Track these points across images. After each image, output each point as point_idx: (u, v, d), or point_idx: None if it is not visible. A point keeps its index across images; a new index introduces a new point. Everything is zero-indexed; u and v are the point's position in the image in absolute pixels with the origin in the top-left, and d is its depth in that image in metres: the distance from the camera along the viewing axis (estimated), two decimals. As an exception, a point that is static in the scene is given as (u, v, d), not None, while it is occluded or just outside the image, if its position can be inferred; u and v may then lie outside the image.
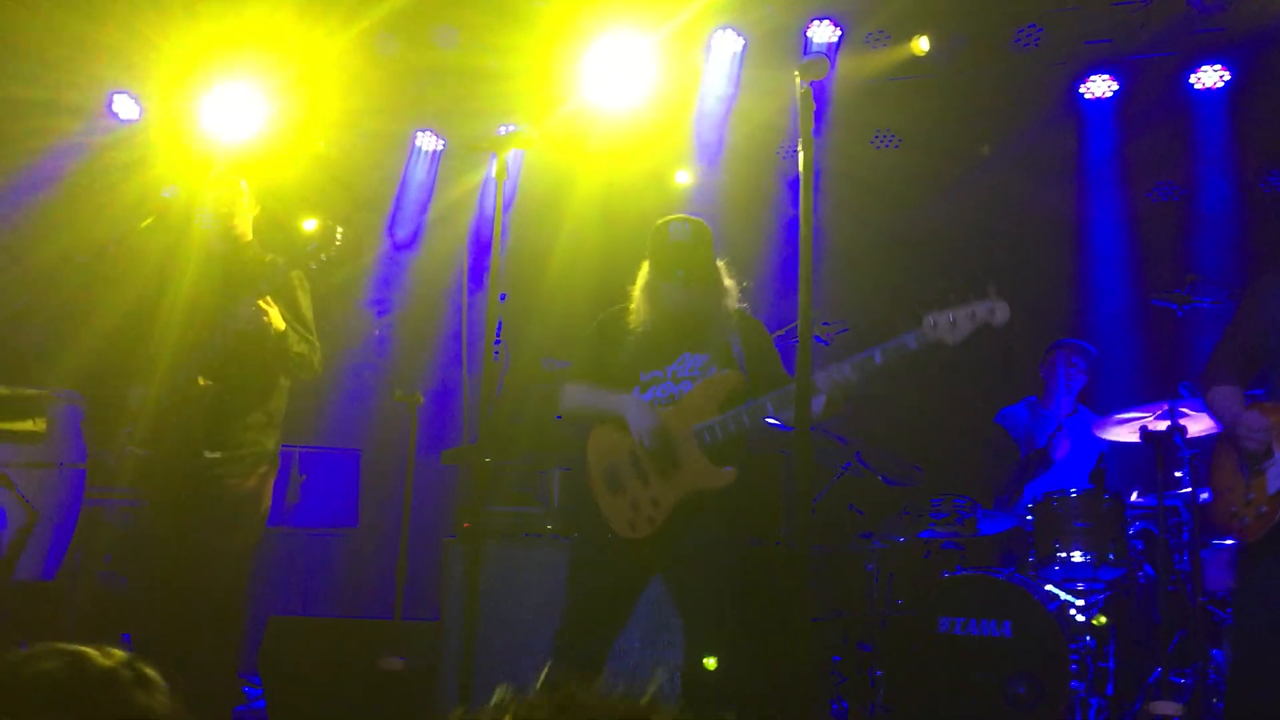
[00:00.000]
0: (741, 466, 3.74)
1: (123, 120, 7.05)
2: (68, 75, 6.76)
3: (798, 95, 3.24)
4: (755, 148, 7.35)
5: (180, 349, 4.11)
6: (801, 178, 3.28)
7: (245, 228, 4.34)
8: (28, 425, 4.17)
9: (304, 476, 6.79)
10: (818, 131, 4.03)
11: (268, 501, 4.26)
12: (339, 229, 4.05)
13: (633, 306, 3.91)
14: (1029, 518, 5.28)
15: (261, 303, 3.98)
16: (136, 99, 7.03)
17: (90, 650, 1.33)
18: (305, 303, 4.34)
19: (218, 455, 4.05)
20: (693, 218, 3.91)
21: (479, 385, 3.86)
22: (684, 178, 7.72)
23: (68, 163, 6.87)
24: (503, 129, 7.12)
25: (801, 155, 3.26)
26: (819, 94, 6.34)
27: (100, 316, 5.59)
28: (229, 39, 6.36)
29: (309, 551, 6.92)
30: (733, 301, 3.92)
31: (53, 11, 6.24)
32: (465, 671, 3.39)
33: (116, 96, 7.02)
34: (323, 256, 4.03)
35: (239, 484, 4.13)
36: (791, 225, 7.43)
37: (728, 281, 3.92)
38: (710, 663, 3.65)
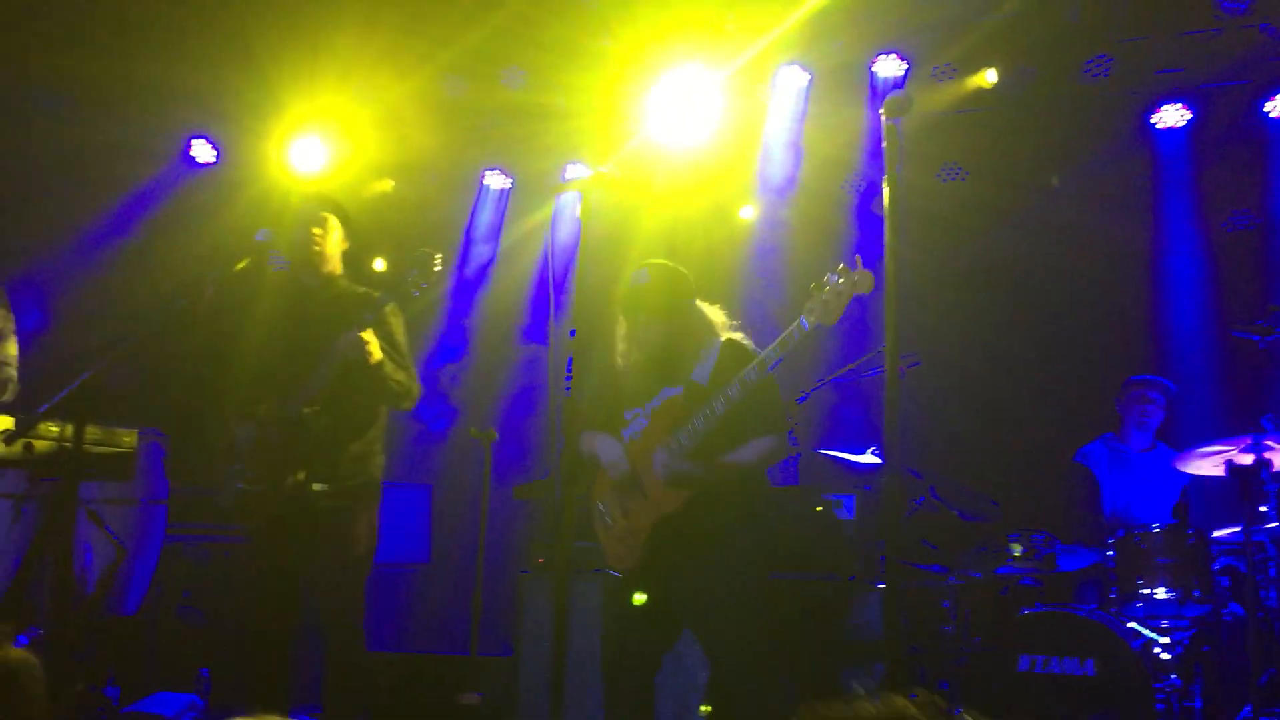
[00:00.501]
0: (705, 489, 3.78)
1: (200, 164, 7.23)
2: (147, 120, 6.94)
3: (883, 131, 3.25)
4: (821, 182, 7.37)
5: (282, 384, 4.16)
6: (886, 214, 3.28)
7: (335, 263, 4.40)
8: (118, 464, 4.24)
9: (375, 512, 6.85)
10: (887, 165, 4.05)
11: (375, 528, 4.28)
12: (437, 255, 4.09)
13: (620, 350, 4.10)
14: (1110, 554, 5.19)
15: (363, 334, 4.02)
16: (215, 142, 7.21)
17: None
18: (401, 333, 4.36)
19: (325, 488, 4.08)
20: (657, 262, 4.07)
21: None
22: (748, 213, 7.75)
23: (149, 206, 7.05)
24: (570, 167, 7.22)
25: (886, 191, 3.26)
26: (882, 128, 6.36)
27: (190, 357, 5.73)
28: (305, 81, 6.50)
29: (382, 587, 6.95)
30: (719, 332, 4.03)
31: (135, 55, 6.39)
32: (554, 705, 3.39)
33: (194, 141, 7.21)
34: (423, 284, 4.07)
35: (347, 514, 4.14)
36: (865, 262, 7.45)
37: (711, 315, 4.06)
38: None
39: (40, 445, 3.89)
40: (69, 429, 3.68)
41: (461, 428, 7.28)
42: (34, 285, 6.93)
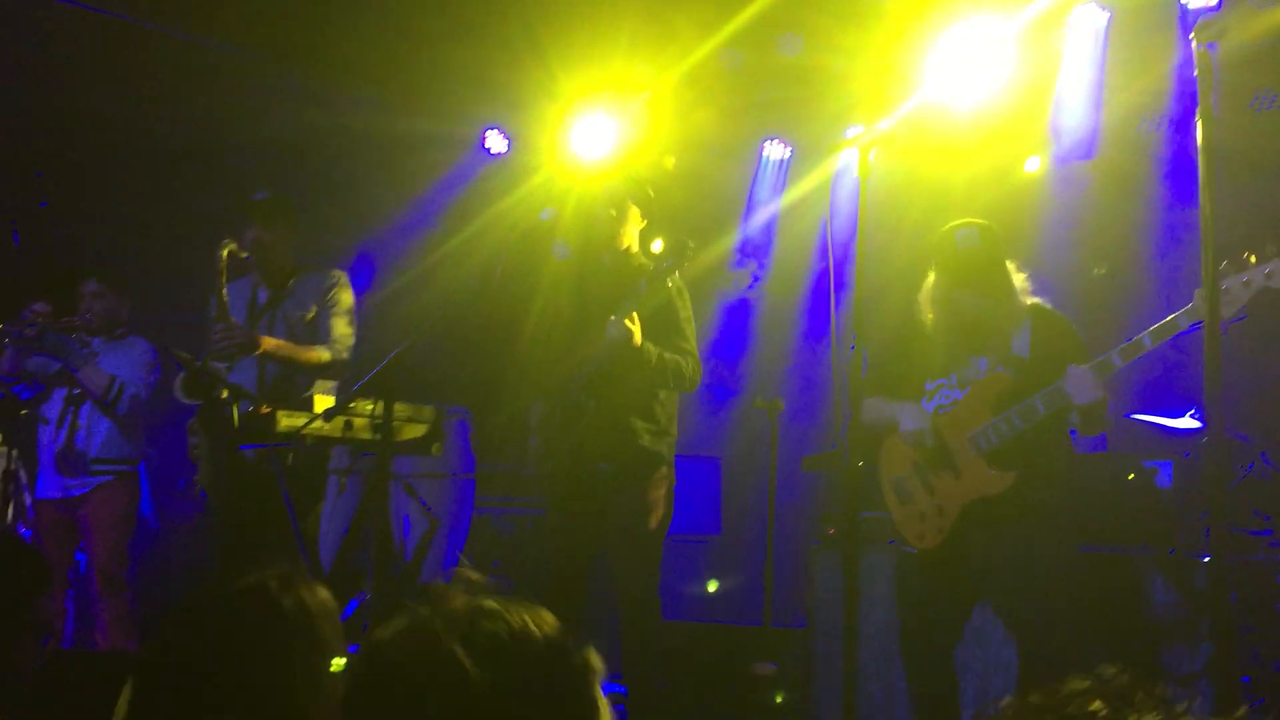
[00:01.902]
0: (1031, 469, 3.59)
1: (493, 154, 7.57)
2: (448, 109, 7.33)
3: (1195, 58, 2.95)
4: (1119, 128, 6.85)
5: (571, 363, 4.30)
6: (1200, 151, 2.98)
7: (631, 241, 4.44)
8: (426, 440, 4.50)
9: (667, 485, 6.98)
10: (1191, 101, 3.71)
11: (665, 508, 4.32)
12: (689, 242, 4.08)
13: (924, 308, 3.84)
14: None
15: (626, 320, 4.06)
16: (506, 132, 7.52)
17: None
18: (684, 312, 4.33)
19: (609, 468, 4.18)
20: (979, 222, 3.78)
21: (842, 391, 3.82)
22: (1034, 165, 7.33)
23: (450, 194, 7.46)
24: (849, 131, 7.05)
25: (1200, 126, 2.97)
26: (1190, 63, 5.76)
27: (486, 336, 6.01)
28: (589, 67, 6.66)
29: (675, 558, 7.05)
30: (1024, 298, 3.77)
31: (439, 45, 6.72)
32: (846, 678, 3.34)
33: (488, 132, 7.55)
34: (675, 273, 4.08)
35: (632, 491, 4.23)
36: (1168, 208, 6.89)
37: (1017, 279, 3.78)
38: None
39: (358, 422, 4.18)
40: (380, 406, 3.95)
41: (747, 399, 7.30)
42: (357, 269, 7.49)
